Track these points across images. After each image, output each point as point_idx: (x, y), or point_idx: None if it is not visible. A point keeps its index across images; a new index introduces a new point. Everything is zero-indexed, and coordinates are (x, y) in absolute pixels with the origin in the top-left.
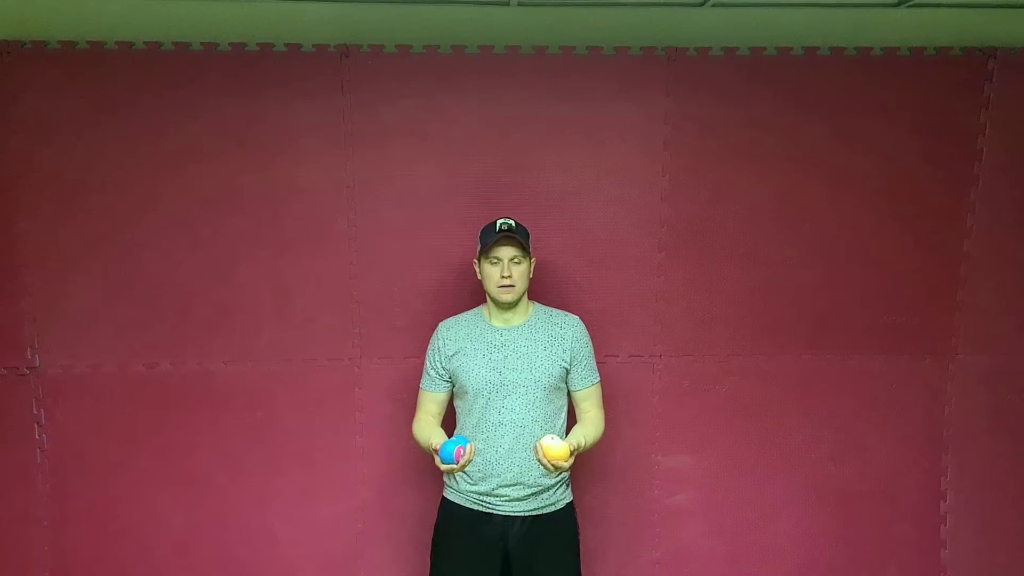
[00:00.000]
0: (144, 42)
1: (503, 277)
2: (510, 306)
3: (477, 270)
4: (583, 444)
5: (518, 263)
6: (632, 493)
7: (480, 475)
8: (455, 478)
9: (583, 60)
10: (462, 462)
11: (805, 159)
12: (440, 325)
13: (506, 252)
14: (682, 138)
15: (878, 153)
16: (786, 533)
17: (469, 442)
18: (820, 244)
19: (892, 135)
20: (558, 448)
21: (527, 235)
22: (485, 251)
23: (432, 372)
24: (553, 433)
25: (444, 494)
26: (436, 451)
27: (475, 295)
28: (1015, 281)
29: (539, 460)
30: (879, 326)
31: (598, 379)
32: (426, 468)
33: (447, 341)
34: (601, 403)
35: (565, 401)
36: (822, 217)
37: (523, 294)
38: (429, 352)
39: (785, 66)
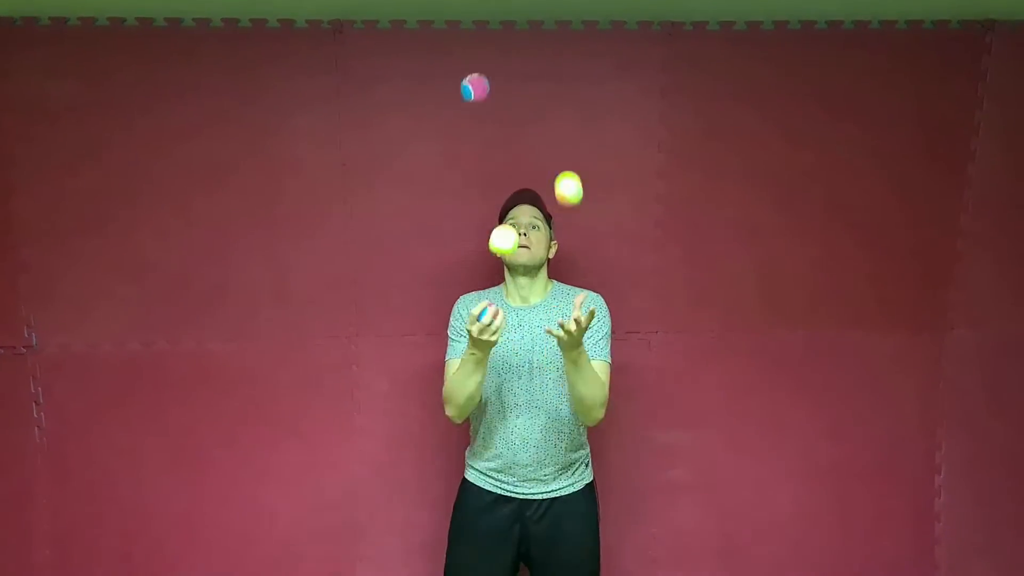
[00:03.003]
0: (136, 18)
1: (521, 236)
2: (526, 276)
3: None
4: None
5: (537, 228)
6: (628, 469)
7: (496, 453)
8: (475, 456)
9: (579, 35)
10: (493, 315)
11: (802, 134)
12: (461, 298)
13: (526, 212)
14: (678, 113)
15: (875, 127)
16: (782, 508)
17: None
18: (816, 220)
19: (889, 109)
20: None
21: (548, 214)
22: (503, 215)
23: (462, 337)
24: (570, 416)
25: (465, 475)
26: (475, 316)
27: (472, 273)
28: (1011, 256)
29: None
30: (875, 301)
31: (608, 359)
32: (425, 445)
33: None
34: (607, 380)
35: None
36: (818, 192)
37: (541, 263)
38: (453, 322)
39: (782, 40)
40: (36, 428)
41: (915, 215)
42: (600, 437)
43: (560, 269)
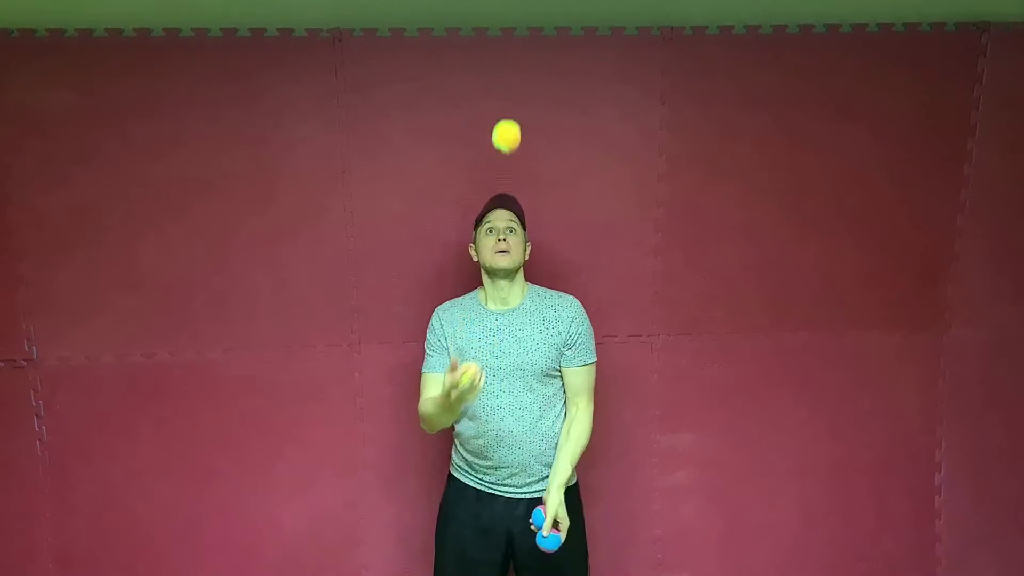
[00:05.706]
0: (134, 28)
1: (499, 241)
2: (506, 279)
3: (473, 253)
4: (567, 477)
5: (514, 232)
6: (631, 472)
7: (480, 454)
8: (460, 453)
9: (578, 42)
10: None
11: (801, 137)
12: (436, 310)
13: (502, 217)
14: (679, 118)
15: (873, 129)
16: (784, 508)
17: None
18: (816, 221)
19: (887, 111)
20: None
21: (522, 211)
22: (480, 220)
23: (437, 352)
24: (552, 418)
25: (450, 470)
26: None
27: (474, 278)
28: (1007, 255)
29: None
30: (874, 301)
31: (594, 360)
32: (428, 452)
33: (444, 324)
34: (592, 388)
35: (562, 383)
36: (818, 194)
37: (519, 267)
38: (429, 336)
39: (780, 44)
40: (38, 441)
41: (913, 215)
42: (604, 441)
43: (562, 273)
